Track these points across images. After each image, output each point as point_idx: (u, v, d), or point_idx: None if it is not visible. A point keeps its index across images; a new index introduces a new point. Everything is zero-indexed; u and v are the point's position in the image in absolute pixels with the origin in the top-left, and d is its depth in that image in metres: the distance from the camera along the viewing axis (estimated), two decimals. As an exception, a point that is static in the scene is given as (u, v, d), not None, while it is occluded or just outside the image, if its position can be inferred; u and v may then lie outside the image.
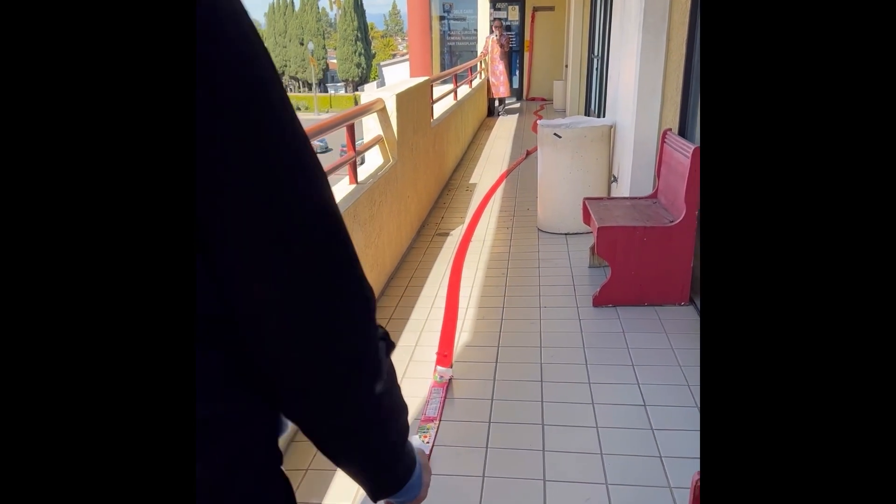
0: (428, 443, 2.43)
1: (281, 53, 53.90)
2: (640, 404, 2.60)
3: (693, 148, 3.18)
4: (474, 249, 4.64)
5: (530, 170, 7.09)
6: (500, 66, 11.44)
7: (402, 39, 75.77)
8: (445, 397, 2.74)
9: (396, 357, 3.05)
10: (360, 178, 3.64)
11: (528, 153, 8.09)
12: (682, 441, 2.36)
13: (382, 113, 4.04)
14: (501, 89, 11.69)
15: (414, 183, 4.85)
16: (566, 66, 11.69)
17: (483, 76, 11.59)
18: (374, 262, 3.66)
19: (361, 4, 52.66)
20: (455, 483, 2.21)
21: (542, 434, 2.45)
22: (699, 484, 1.54)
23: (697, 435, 2.39)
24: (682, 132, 3.69)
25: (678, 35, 3.70)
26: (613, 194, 4.73)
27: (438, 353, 3.12)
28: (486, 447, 2.40)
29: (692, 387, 2.70)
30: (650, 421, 2.48)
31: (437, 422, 2.57)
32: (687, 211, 3.30)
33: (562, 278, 4.00)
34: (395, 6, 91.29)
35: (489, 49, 11.44)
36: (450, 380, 2.87)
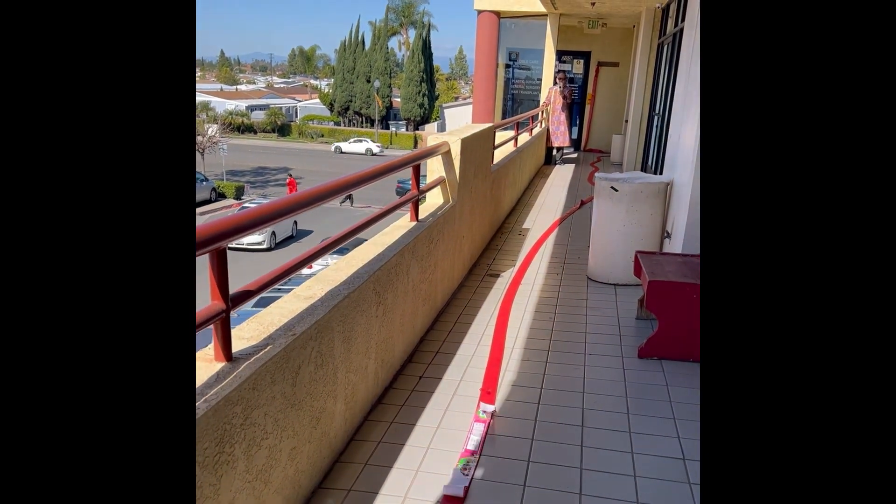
0: (467, 475, 2.51)
1: (348, 89, 55.65)
2: (680, 458, 2.63)
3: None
4: (523, 292, 4.73)
5: (584, 219, 7.17)
6: (561, 117, 11.62)
7: (466, 83, 77.26)
8: (487, 433, 2.82)
9: (442, 390, 3.16)
10: (421, 216, 3.80)
11: (583, 202, 8.18)
12: (719, 498, 2.37)
13: (447, 156, 4.23)
14: (561, 139, 11.86)
15: (470, 224, 5.01)
16: (626, 121, 11.80)
17: (544, 125, 11.79)
18: (426, 296, 3.80)
19: (430, 47, 54.14)
20: (491, 516, 2.28)
21: (580, 478, 2.50)
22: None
23: (735, 494, 2.40)
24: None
25: (740, 100, 3.78)
26: (665, 250, 4.78)
27: (482, 390, 3.20)
28: (524, 485, 2.46)
29: (733, 446, 2.71)
30: (688, 475, 2.51)
31: (478, 456, 2.65)
32: (739, 272, 3.33)
33: (608, 328, 4.05)
34: (461, 51, 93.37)
35: (551, 99, 11.65)
36: (492, 416, 2.95)
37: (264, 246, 22.35)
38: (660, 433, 2.82)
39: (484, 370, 3.43)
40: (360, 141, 49.02)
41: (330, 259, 12.72)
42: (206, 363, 1.82)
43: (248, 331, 2.10)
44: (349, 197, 28.36)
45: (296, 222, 24.70)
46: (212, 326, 1.79)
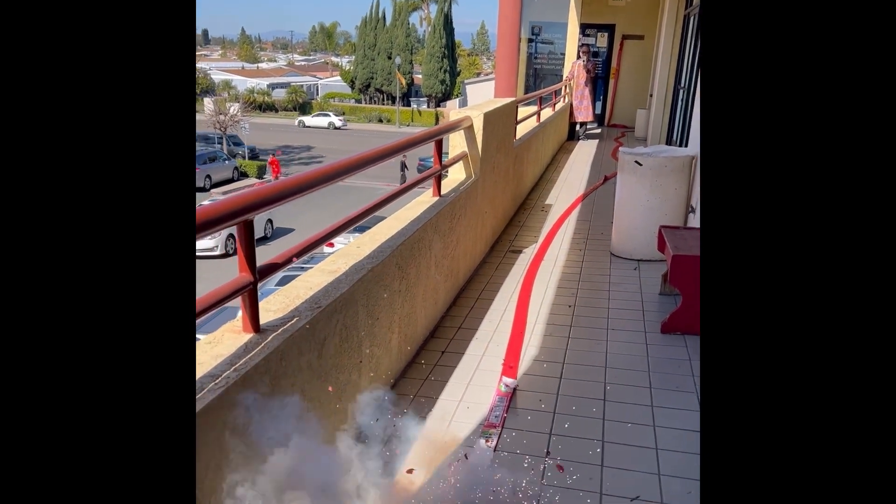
0: (490, 447, 2.55)
1: (369, 66, 55.40)
2: (702, 432, 2.63)
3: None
4: (545, 268, 4.73)
5: (607, 195, 7.11)
6: (585, 91, 11.48)
7: (488, 59, 76.44)
8: (509, 406, 2.85)
9: (464, 364, 3.19)
10: (443, 191, 3.81)
11: (607, 178, 8.11)
12: (742, 471, 2.38)
13: (469, 130, 4.22)
14: (584, 114, 11.72)
15: (492, 200, 5.00)
16: (651, 95, 11.61)
17: (567, 100, 11.66)
18: (448, 272, 3.82)
19: (451, 22, 53.56)
20: (513, 488, 2.31)
21: (602, 450, 2.52)
22: None
23: (757, 467, 2.40)
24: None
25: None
26: (690, 225, 4.73)
27: (504, 364, 3.23)
28: (546, 457, 2.49)
29: (756, 420, 2.71)
30: (710, 448, 2.51)
31: (500, 428, 2.68)
32: (764, 246, 3.30)
33: (631, 303, 4.04)
34: (483, 25, 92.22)
35: (575, 74, 11.50)
36: (514, 390, 2.98)
37: (217, 252, 18.45)
38: (682, 407, 2.82)
39: (506, 345, 3.45)
40: (325, 115, 50.31)
41: (351, 238, 12.76)
42: (235, 334, 1.86)
43: (275, 303, 2.14)
44: (405, 172, 28.06)
45: (271, 221, 21.15)
46: (239, 298, 1.82)
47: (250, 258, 1.80)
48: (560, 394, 2.95)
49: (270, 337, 1.88)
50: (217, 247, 18.50)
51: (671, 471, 2.38)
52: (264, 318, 1.99)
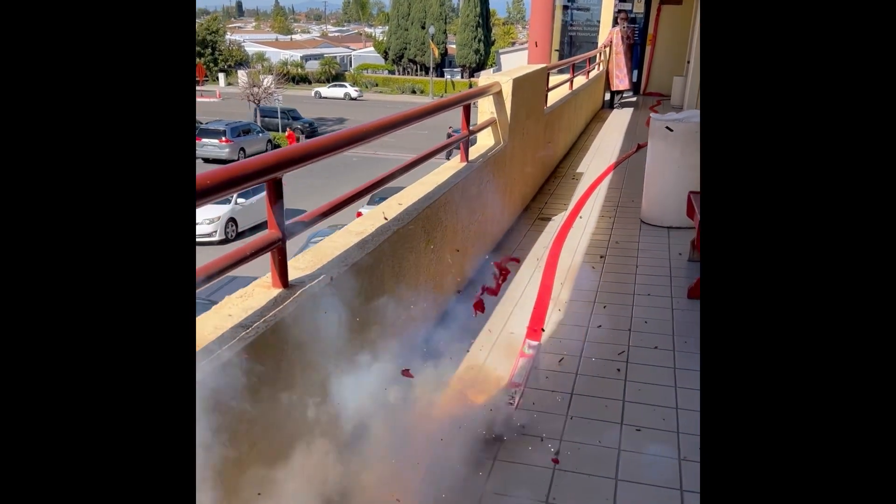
0: (513, 405, 2.61)
1: (402, 36, 54.99)
2: (724, 393, 2.65)
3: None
4: (574, 235, 4.74)
5: (639, 162, 7.03)
6: (624, 59, 11.26)
7: (523, 27, 75.05)
8: (532, 367, 2.90)
9: (490, 327, 3.25)
10: (471, 157, 3.83)
11: (640, 146, 8.00)
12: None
13: (498, 96, 4.22)
14: (625, 82, 11.52)
15: (521, 167, 5.00)
16: (688, 62, 11.34)
17: (602, 67, 11.46)
18: (476, 236, 3.86)
19: (485, -10, 52.71)
20: (534, 442, 2.38)
21: (622, 409, 2.57)
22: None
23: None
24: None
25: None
26: (722, 192, 4.68)
27: (529, 327, 3.28)
28: (567, 415, 2.54)
29: (780, 384, 2.72)
30: (731, 409, 2.54)
31: (523, 388, 2.74)
32: (795, 211, 3.26)
33: (659, 269, 4.04)
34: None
35: (614, 41, 11.27)
36: (538, 352, 3.03)
37: (216, 238, 16.77)
38: (705, 370, 2.84)
39: (531, 309, 3.49)
40: (341, 86, 50.42)
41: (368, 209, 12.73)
42: (264, 289, 1.94)
43: (303, 262, 2.21)
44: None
45: None
46: (269, 255, 1.90)
47: (279, 215, 1.87)
48: (583, 356, 2.99)
49: (298, 292, 1.95)
50: (216, 232, 16.92)
51: (691, 429, 2.42)
52: (293, 274, 2.06)
